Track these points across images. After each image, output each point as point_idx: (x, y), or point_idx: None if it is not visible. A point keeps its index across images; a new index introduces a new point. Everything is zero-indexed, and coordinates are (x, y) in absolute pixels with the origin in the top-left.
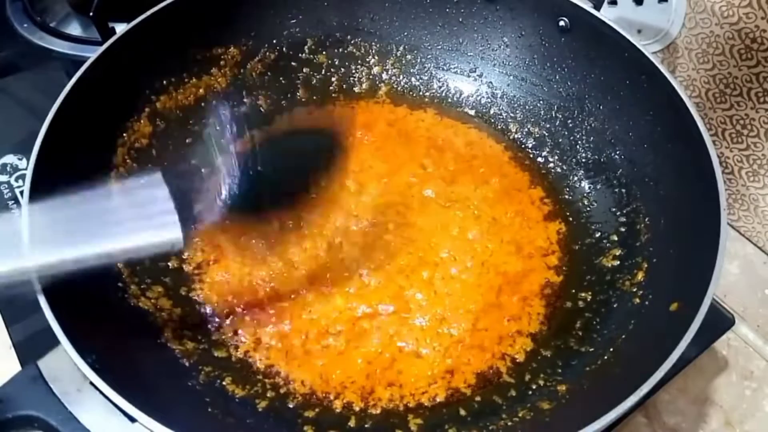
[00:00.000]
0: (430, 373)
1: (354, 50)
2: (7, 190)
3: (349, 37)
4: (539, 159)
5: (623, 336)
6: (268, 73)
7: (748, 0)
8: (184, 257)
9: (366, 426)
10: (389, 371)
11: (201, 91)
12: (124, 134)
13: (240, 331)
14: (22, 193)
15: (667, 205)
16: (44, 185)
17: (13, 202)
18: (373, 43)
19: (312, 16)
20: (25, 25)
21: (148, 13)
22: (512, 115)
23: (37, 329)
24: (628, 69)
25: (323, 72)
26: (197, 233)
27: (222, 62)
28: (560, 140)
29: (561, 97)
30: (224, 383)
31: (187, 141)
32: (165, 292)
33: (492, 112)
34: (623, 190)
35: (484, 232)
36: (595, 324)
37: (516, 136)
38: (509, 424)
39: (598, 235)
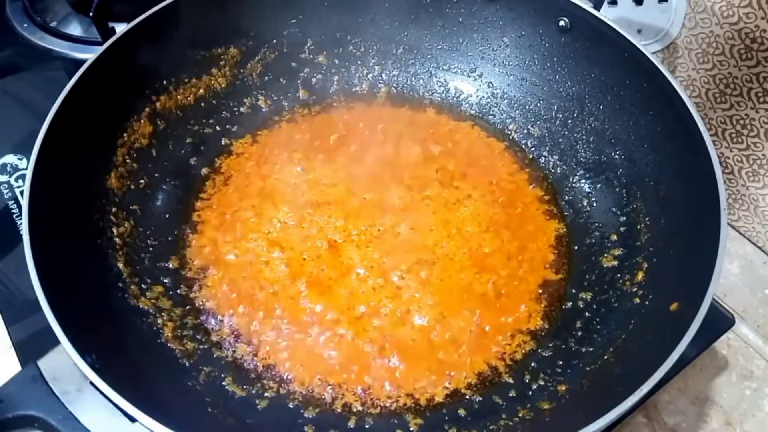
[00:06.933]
0: (429, 373)
1: (354, 50)
2: (7, 190)
3: (349, 37)
4: (539, 159)
5: (623, 336)
6: (268, 73)
7: (748, 0)
8: (185, 258)
9: (366, 426)
10: (389, 371)
11: (201, 91)
12: (124, 134)
13: (240, 331)
14: (22, 193)
15: (667, 205)
16: (44, 185)
17: (13, 202)
18: (373, 43)
19: (312, 16)
20: (25, 25)
21: (148, 13)
22: (512, 115)
23: (37, 329)
24: (628, 69)
25: (323, 72)
26: (198, 235)
27: (222, 62)
28: (560, 140)
29: (561, 97)
30: (224, 383)
31: (187, 141)
32: (165, 292)
33: (492, 112)
34: (623, 190)
35: (483, 231)
36: (595, 324)
37: (516, 136)
38: (509, 424)
39: (598, 235)
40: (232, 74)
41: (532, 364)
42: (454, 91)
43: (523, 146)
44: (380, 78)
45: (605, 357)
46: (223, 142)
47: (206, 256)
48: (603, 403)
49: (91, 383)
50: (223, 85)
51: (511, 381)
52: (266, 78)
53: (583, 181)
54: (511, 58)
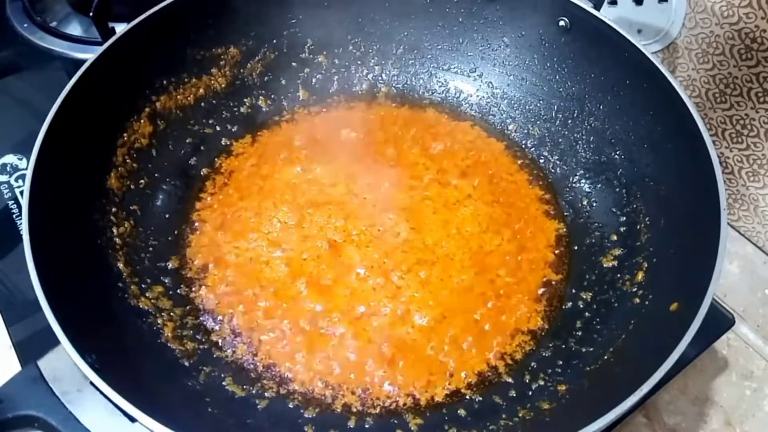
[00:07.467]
0: (429, 373)
1: (354, 50)
2: (7, 190)
3: (349, 37)
4: (539, 159)
5: (623, 336)
6: (268, 73)
7: (748, 0)
8: (185, 258)
9: (366, 426)
10: (388, 371)
11: (201, 91)
12: (124, 134)
13: (240, 331)
14: (22, 193)
15: (667, 205)
16: (44, 185)
17: (13, 202)
18: (373, 43)
19: (312, 16)
20: (25, 25)
21: (148, 13)
22: (512, 115)
23: (37, 329)
24: (628, 69)
25: (323, 72)
26: (198, 235)
27: (222, 62)
28: (560, 140)
29: (561, 97)
30: (224, 383)
31: (187, 141)
32: (165, 292)
33: (492, 112)
34: (623, 190)
35: (483, 231)
36: (595, 324)
37: (516, 136)
38: (509, 424)
39: (598, 235)
40: (232, 74)
41: (532, 364)
42: (454, 91)
43: (523, 146)
44: (380, 78)
45: (605, 357)
46: (223, 142)
47: (206, 256)
48: (603, 403)
49: (91, 383)
50: (223, 85)
51: (511, 381)
52: (266, 78)
53: (583, 181)
54: (511, 58)
